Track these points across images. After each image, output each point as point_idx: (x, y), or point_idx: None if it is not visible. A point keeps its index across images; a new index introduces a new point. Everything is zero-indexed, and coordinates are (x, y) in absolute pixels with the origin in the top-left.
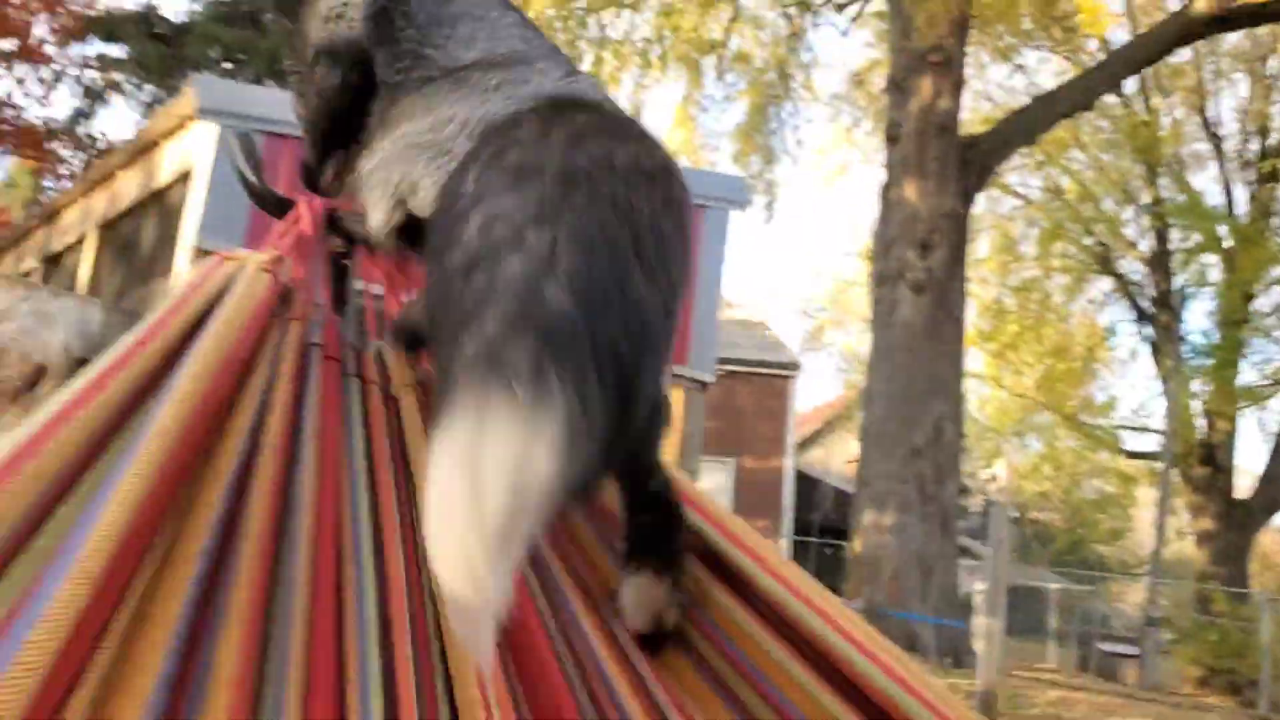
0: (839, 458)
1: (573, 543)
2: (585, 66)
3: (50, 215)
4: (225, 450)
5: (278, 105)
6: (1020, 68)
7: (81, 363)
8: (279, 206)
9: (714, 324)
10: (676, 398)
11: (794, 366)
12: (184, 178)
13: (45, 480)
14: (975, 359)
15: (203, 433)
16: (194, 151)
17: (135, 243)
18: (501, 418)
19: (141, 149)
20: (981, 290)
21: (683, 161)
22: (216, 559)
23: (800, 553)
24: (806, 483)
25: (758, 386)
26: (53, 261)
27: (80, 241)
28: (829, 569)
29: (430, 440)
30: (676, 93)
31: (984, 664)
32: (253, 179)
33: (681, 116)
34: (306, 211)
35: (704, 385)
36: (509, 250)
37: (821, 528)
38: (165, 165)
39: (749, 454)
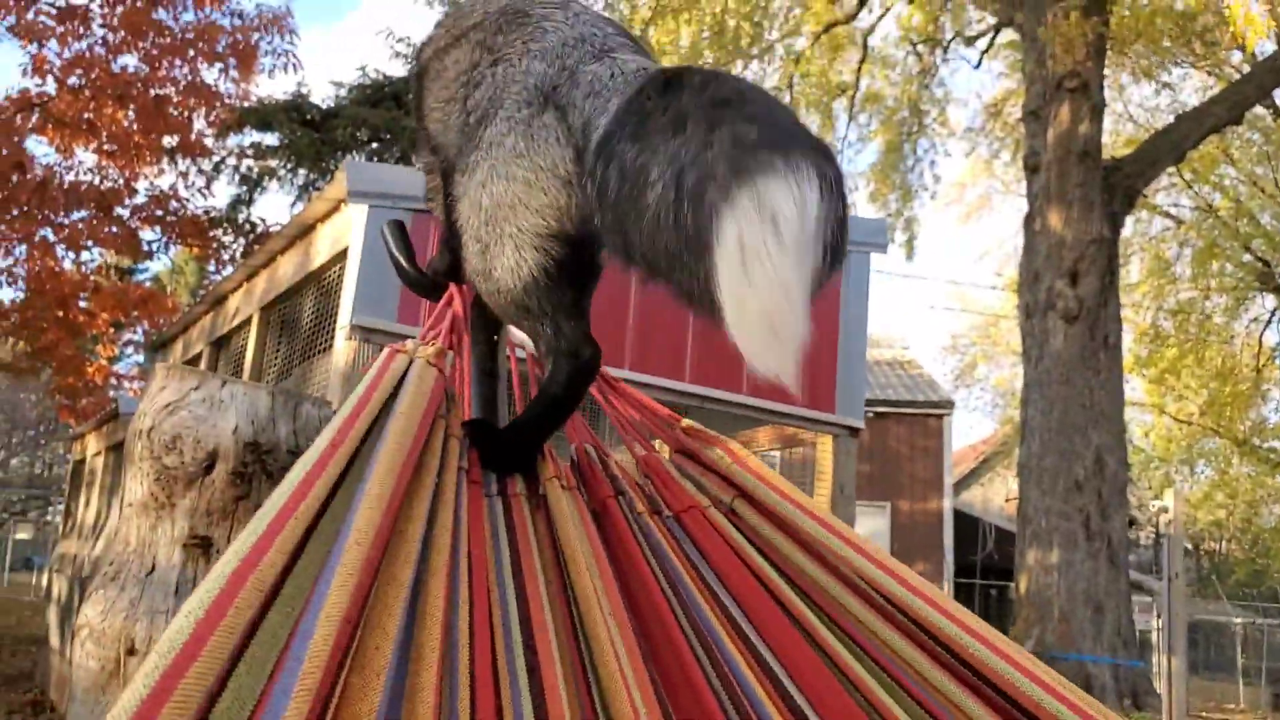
0: (998, 496)
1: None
2: None
3: (216, 300)
4: (403, 556)
5: (420, 184)
6: (1164, 86)
7: (252, 446)
8: (432, 290)
9: (862, 369)
10: (826, 445)
11: (947, 405)
12: (339, 258)
13: (263, 590)
14: (1134, 386)
15: (387, 536)
16: (347, 232)
17: (295, 322)
18: (768, 180)
19: (299, 232)
20: (1136, 315)
21: None
22: (396, 683)
23: (963, 595)
24: (965, 523)
25: (911, 427)
26: (220, 344)
27: (245, 324)
28: (994, 611)
29: (583, 519)
30: None
31: (1169, 706)
32: (405, 264)
33: None
34: (458, 295)
35: (855, 431)
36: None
37: (984, 568)
38: (321, 246)
39: (905, 496)
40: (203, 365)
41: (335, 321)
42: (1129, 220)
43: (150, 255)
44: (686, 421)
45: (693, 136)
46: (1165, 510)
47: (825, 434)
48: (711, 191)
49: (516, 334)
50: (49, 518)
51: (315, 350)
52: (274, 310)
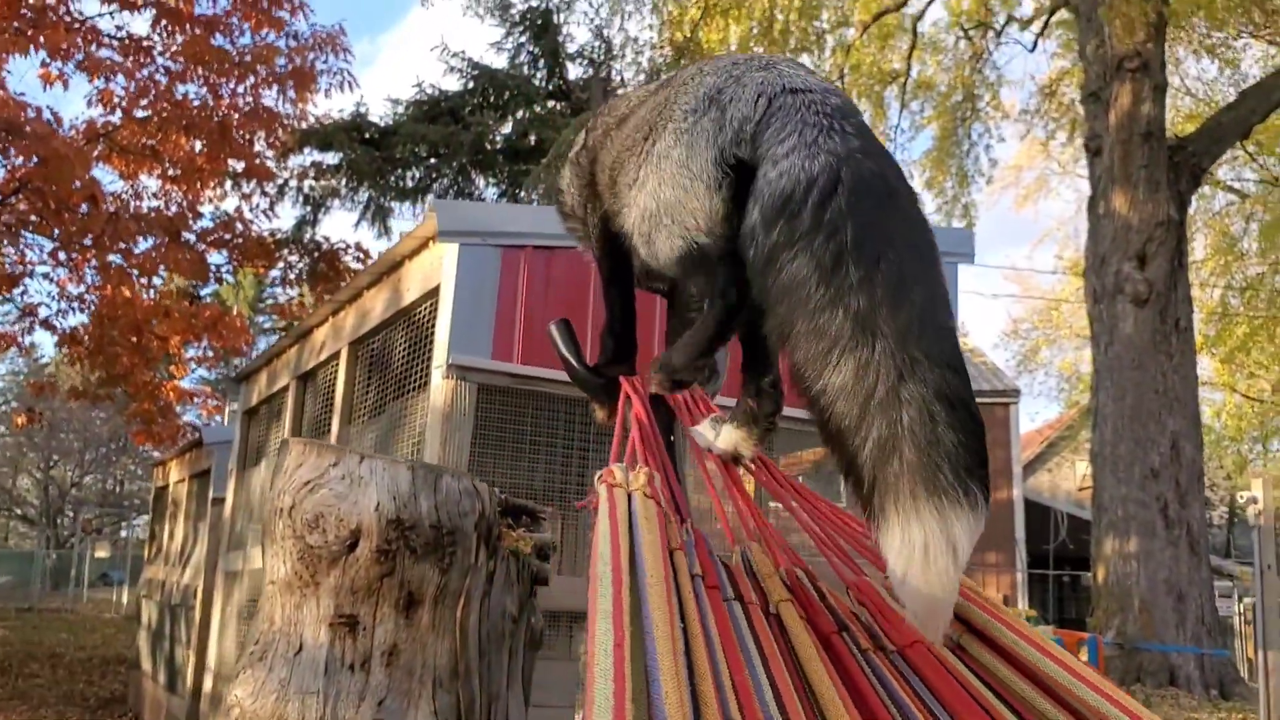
0: (1066, 481)
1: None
2: None
3: (301, 335)
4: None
5: (507, 219)
6: (1225, 60)
7: (395, 523)
8: (605, 389)
9: None
10: None
11: (1014, 393)
12: (430, 295)
13: None
14: (1204, 366)
15: (677, 670)
16: (438, 270)
17: (386, 358)
18: (954, 510)
19: (387, 269)
20: (1202, 294)
21: None
22: None
23: (1037, 585)
24: (1036, 511)
25: None
26: (306, 379)
27: (333, 359)
28: (1070, 600)
29: (815, 649)
30: None
31: (1266, 699)
32: (575, 364)
33: None
34: (634, 395)
35: None
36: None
37: (1057, 557)
38: (411, 284)
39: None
40: (289, 399)
41: (428, 359)
42: (1191, 197)
43: (220, 279)
44: None
45: (879, 329)
46: (1255, 501)
47: None
48: (896, 472)
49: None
50: (124, 534)
51: (409, 388)
52: (363, 346)
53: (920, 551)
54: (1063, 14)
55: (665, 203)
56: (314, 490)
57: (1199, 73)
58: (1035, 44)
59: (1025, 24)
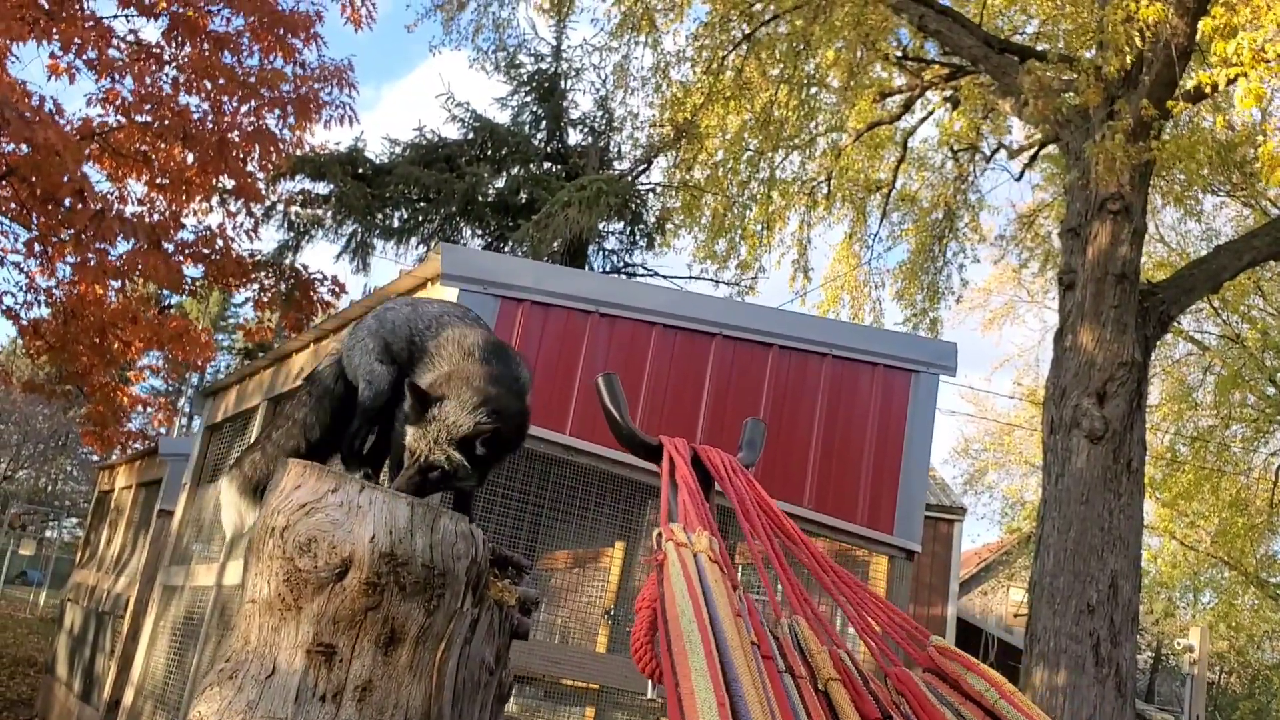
0: (998, 605)
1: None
2: (753, 206)
3: (278, 358)
4: None
5: (510, 272)
6: (1198, 214)
7: (388, 557)
8: (644, 448)
9: (923, 491)
10: (880, 566)
11: (960, 510)
12: None
13: None
14: (1146, 509)
15: None
16: None
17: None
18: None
19: (379, 303)
20: (1153, 438)
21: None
22: None
23: None
24: (968, 631)
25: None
26: (278, 402)
27: None
28: None
29: None
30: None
31: None
32: (620, 420)
33: (845, 253)
34: (678, 457)
35: (911, 555)
36: None
37: None
38: None
39: (911, 600)
40: (258, 420)
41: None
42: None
43: (195, 292)
44: (937, 640)
45: None
46: (1191, 649)
47: (881, 555)
48: None
49: None
50: (50, 534)
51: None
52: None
53: None
54: (1052, 149)
55: None
56: (310, 514)
57: (1173, 222)
58: (1022, 173)
59: (1015, 153)
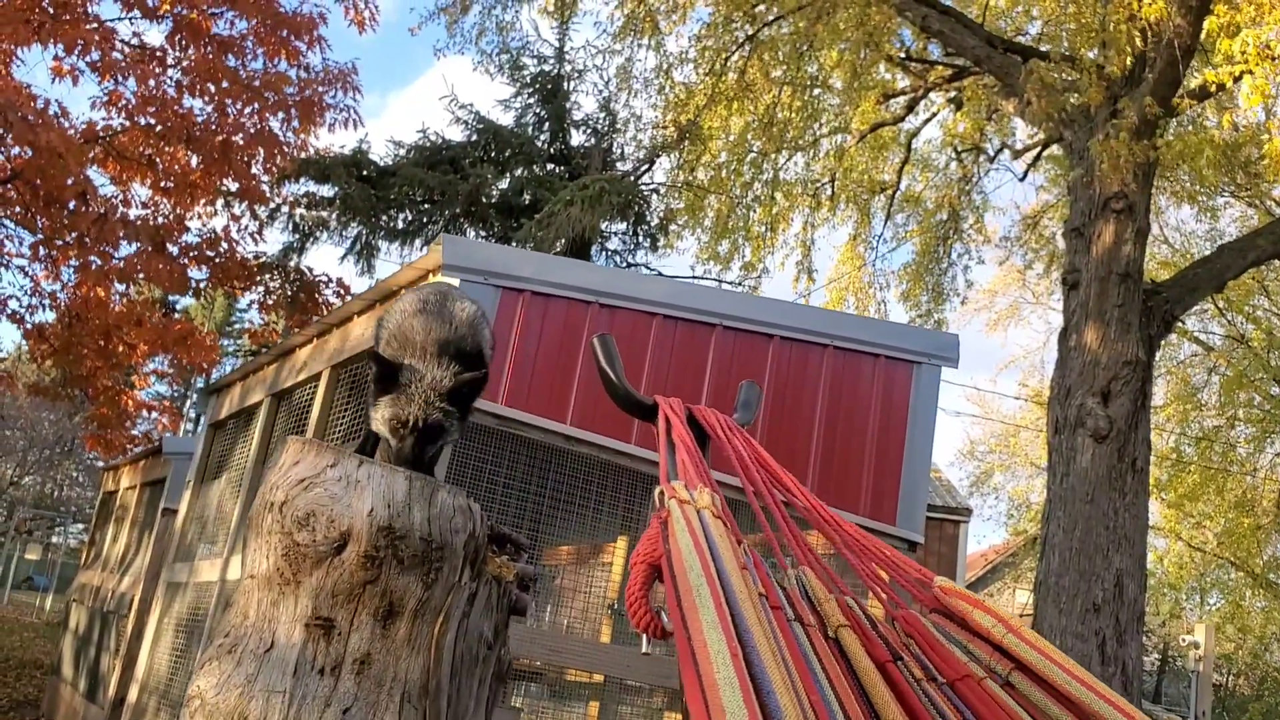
0: (1005, 607)
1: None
2: (757, 207)
3: (282, 353)
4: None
5: (511, 263)
6: (1203, 212)
7: (386, 531)
8: (639, 408)
9: (925, 482)
10: None
11: (966, 512)
12: None
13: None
14: (1152, 510)
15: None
16: None
17: (367, 384)
18: None
19: (381, 297)
20: (1158, 439)
21: (881, 312)
22: None
23: None
24: None
25: (928, 531)
26: (281, 397)
27: (313, 380)
28: None
29: (876, 675)
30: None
31: None
32: (616, 380)
33: (849, 254)
34: (674, 416)
35: (914, 545)
36: None
37: None
38: None
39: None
40: (262, 415)
41: None
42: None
43: (199, 294)
44: (941, 580)
45: None
46: (1197, 646)
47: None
48: None
49: None
50: (56, 539)
51: None
52: (345, 370)
53: None
54: (1055, 150)
55: None
56: (309, 488)
57: (1178, 222)
58: (1025, 174)
59: (1018, 154)
